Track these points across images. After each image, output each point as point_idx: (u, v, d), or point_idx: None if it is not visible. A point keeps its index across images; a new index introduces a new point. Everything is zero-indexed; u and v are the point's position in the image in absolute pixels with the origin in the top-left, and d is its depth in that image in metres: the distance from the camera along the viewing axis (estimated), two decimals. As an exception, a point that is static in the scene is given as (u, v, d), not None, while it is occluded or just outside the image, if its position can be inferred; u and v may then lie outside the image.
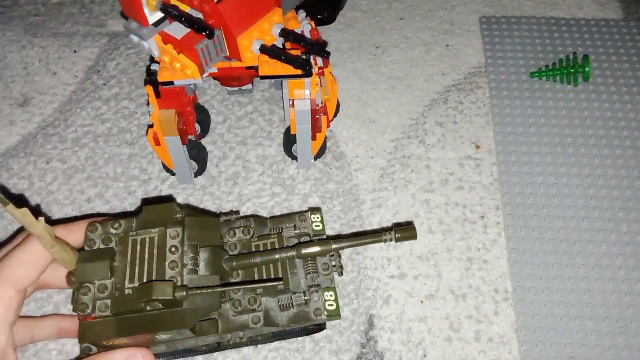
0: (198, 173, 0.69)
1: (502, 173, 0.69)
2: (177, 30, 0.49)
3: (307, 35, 0.62)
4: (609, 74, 0.78)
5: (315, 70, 0.58)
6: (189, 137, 0.67)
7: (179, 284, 0.40)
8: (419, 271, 0.62)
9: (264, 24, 0.52)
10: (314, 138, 0.65)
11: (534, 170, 0.69)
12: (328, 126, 0.73)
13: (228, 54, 0.53)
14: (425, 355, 0.56)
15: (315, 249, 0.46)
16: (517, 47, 0.82)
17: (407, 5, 0.90)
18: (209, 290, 0.40)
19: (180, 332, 0.42)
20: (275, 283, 0.44)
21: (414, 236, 0.45)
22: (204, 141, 0.73)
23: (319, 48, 0.53)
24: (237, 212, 0.52)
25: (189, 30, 0.49)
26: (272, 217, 0.52)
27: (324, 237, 0.51)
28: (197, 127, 0.71)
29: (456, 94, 0.78)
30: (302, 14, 0.62)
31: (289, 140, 0.68)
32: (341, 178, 0.70)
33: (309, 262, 0.48)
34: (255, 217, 0.51)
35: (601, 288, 0.60)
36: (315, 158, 0.70)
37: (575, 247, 0.62)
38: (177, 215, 0.45)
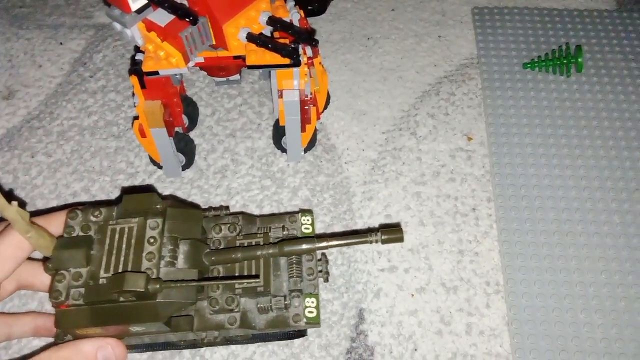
0: (186, 166, 0.68)
1: (494, 165, 0.68)
2: (161, 17, 0.48)
3: (296, 24, 0.60)
4: (602, 65, 0.77)
5: (304, 60, 0.57)
6: (177, 129, 0.66)
7: (154, 276, 0.39)
8: (410, 264, 0.61)
9: (250, 11, 0.51)
10: (303, 130, 0.64)
11: (526, 162, 0.68)
12: (318, 118, 0.72)
13: (214, 43, 0.52)
14: (415, 349, 0.56)
15: (298, 247, 0.45)
16: (510, 38, 0.81)
17: (398, -4, 0.89)
18: (185, 285, 0.39)
19: (154, 325, 0.41)
20: (253, 280, 0.43)
21: (400, 239, 0.44)
22: (192, 134, 0.72)
23: (307, 36, 0.52)
24: (227, 207, 0.50)
25: (173, 17, 0.48)
26: (261, 216, 0.51)
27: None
28: (185, 119, 0.69)
29: (448, 86, 0.77)
30: (290, 2, 0.61)
31: (279, 132, 0.67)
32: (332, 171, 0.69)
33: (294, 265, 0.47)
34: (245, 215, 0.50)
35: (594, 280, 0.59)
36: (305, 151, 0.69)
37: (567, 239, 0.62)
38: (158, 206, 0.44)
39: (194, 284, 0.41)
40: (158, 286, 0.38)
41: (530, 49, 0.80)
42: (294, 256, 0.48)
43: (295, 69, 0.56)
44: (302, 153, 0.68)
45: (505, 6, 0.86)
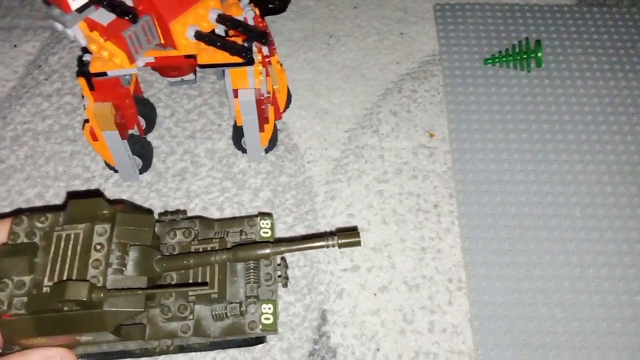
0: (143, 169, 0.66)
1: (456, 161, 0.68)
2: (103, 16, 0.46)
3: (251, 22, 0.59)
4: (562, 59, 0.78)
5: (258, 58, 0.56)
6: (132, 132, 0.64)
7: (100, 284, 0.38)
8: (373, 263, 0.61)
9: (199, 9, 0.50)
10: (262, 130, 0.62)
11: (488, 157, 0.68)
12: (280, 117, 0.71)
13: (162, 42, 0.50)
14: (378, 349, 0.55)
15: (252, 252, 0.43)
16: (472, 34, 0.81)
17: (361, -7, 0.88)
18: (133, 293, 0.38)
19: (102, 334, 0.39)
20: (202, 287, 0.42)
21: (357, 243, 0.43)
22: (150, 136, 0.71)
23: (259, 34, 0.51)
24: (184, 212, 0.49)
25: (115, 16, 0.46)
26: (219, 220, 0.50)
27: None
28: (142, 121, 0.68)
29: (410, 83, 0.77)
30: (245, 0, 0.60)
31: (238, 133, 0.66)
32: (294, 171, 0.68)
33: (251, 271, 0.46)
34: (202, 219, 0.49)
35: (555, 274, 0.59)
36: (267, 151, 0.68)
37: (528, 234, 0.62)
38: (105, 212, 0.42)
39: (142, 291, 0.39)
40: (102, 295, 0.37)
41: (492, 44, 0.80)
42: (251, 261, 0.47)
43: (248, 68, 0.55)
44: (263, 153, 0.67)
45: (467, 2, 0.86)
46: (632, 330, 0.56)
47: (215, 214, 0.64)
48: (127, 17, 0.43)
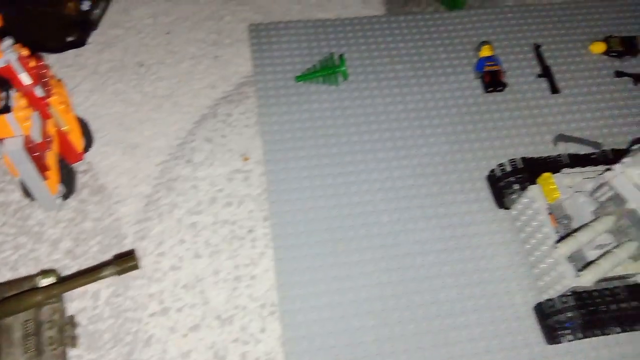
0: None
1: (271, 182, 0.68)
2: None
3: (16, 65, 0.55)
4: (370, 70, 0.81)
5: (20, 103, 0.52)
6: None
7: None
8: (184, 302, 0.58)
9: None
10: (45, 177, 0.58)
11: (301, 175, 0.69)
12: (79, 159, 0.66)
13: None
14: (189, 393, 0.53)
15: (20, 303, 0.40)
16: (285, 52, 0.82)
17: (173, 18, 0.86)
18: None
19: None
20: None
21: (135, 267, 0.42)
22: None
23: (2, 81, 0.46)
24: None
25: None
26: None
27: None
28: None
29: (226, 107, 0.76)
30: (6, 41, 0.55)
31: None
32: (100, 214, 0.64)
33: (30, 337, 0.41)
34: None
35: (365, 283, 0.61)
36: (66, 197, 0.63)
37: (339, 246, 0.63)
38: None
39: None
40: None
41: (305, 61, 0.81)
42: (29, 325, 0.42)
43: (7, 116, 0.51)
44: (58, 201, 0.62)
45: (280, 21, 0.87)
46: (436, 328, 0.58)
47: (7, 275, 0.58)
48: None
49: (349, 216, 0.66)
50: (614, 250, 0.49)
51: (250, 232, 0.64)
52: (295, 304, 0.58)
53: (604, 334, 0.54)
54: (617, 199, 0.50)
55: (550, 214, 0.58)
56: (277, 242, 0.63)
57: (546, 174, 0.58)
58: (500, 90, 0.79)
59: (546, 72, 0.81)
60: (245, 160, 0.70)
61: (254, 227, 0.65)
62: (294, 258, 0.62)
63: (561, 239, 0.53)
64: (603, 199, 0.51)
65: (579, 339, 0.55)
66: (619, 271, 0.53)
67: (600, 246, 0.53)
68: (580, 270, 0.52)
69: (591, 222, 0.51)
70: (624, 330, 0.55)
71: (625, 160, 0.51)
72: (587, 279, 0.49)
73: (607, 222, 0.50)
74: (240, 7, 0.88)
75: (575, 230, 0.52)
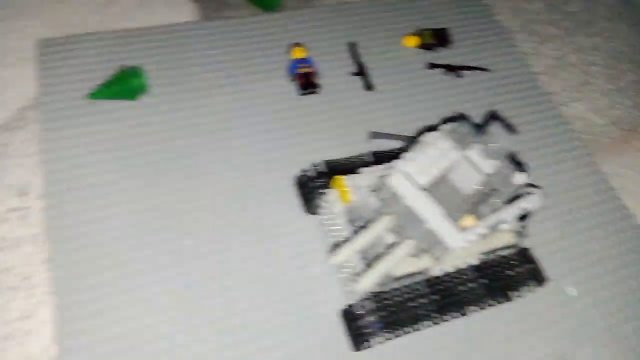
0: None
1: (52, 218, 0.59)
2: None
3: None
4: (179, 81, 0.75)
5: None
6: None
7: None
8: None
9: None
10: None
11: (90, 206, 0.61)
12: None
13: None
14: None
15: None
16: (79, 68, 0.74)
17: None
18: None
19: None
20: None
21: None
22: None
23: None
24: None
25: None
26: None
27: None
28: None
29: (4, 136, 0.66)
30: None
31: None
32: None
33: None
34: None
35: (149, 322, 0.55)
36: None
37: (124, 283, 0.56)
38: None
39: None
40: None
41: (105, 76, 0.73)
42: None
43: None
44: None
45: (74, 34, 0.78)
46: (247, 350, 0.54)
47: None
48: None
49: (149, 245, 0.59)
50: (392, 250, 0.47)
51: (26, 280, 0.55)
52: (80, 356, 0.51)
53: (405, 333, 0.53)
54: (394, 198, 0.48)
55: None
56: (58, 288, 0.55)
57: (337, 177, 0.56)
58: (315, 92, 0.76)
59: (360, 70, 0.80)
60: (22, 198, 0.61)
61: (32, 273, 0.56)
62: (77, 302, 0.54)
63: (336, 245, 0.51)
64: (385, 197, 0.50)
65: (383, 341, 0.53)
66: (414, 268, 0.52)
67: (390, 245, 0.51)
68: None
69: (371, 223, 0.49)
70: (423, 327, 0.54)
71: (401, 157, 0.49)
72: (363, 285, 0.46)
73: (386, 222, 0.48)
74: (30, 22, 0.78)
75: (357, 233, 0.50)
